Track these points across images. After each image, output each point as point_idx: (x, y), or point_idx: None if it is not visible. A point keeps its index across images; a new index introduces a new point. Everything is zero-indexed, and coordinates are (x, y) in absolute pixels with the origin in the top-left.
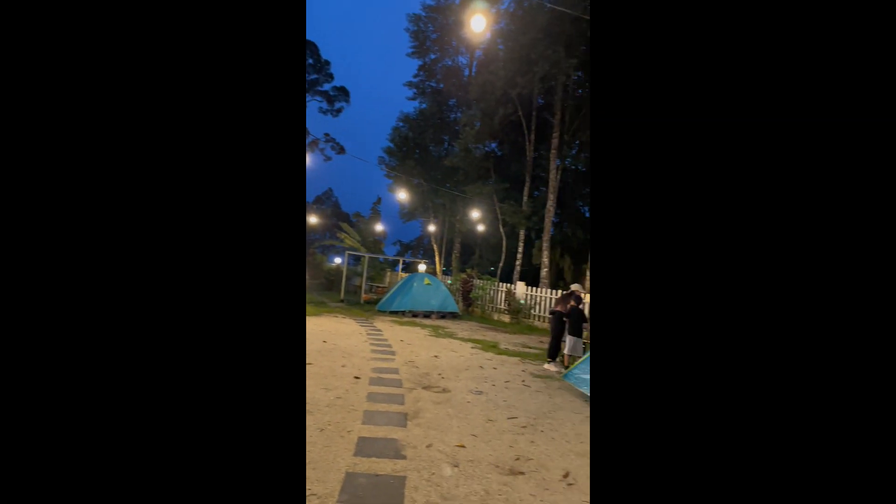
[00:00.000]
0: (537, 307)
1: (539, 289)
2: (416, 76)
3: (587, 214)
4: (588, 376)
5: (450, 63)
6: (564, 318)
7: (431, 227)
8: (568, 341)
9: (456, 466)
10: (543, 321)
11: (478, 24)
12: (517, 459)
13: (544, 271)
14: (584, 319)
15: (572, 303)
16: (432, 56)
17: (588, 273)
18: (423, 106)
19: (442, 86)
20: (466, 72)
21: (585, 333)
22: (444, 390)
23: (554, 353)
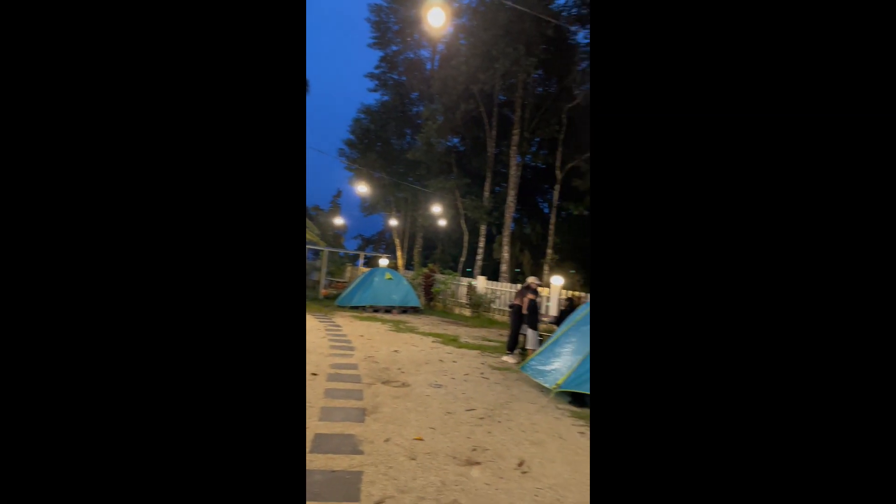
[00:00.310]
0: (497, 301)
1: (499, 283)
2: (377, 67)
3: (546, 210)
4: (543, 367)
5: (412, 56)
6: (523, 312)
7: (393, 222)
8: (528, 335)
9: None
10: (504, 315)
11: (436, 18)
12: (474, 450)
13: (504, 266)
14: (538, 312)
15: (529, 296)
16: (394, 48)
17: (546, 267)
18: (385, 98)
19: (404, 78)
20: (429, 65)
21: (543, 326)
22: (404, 384)
23: (512, 345)
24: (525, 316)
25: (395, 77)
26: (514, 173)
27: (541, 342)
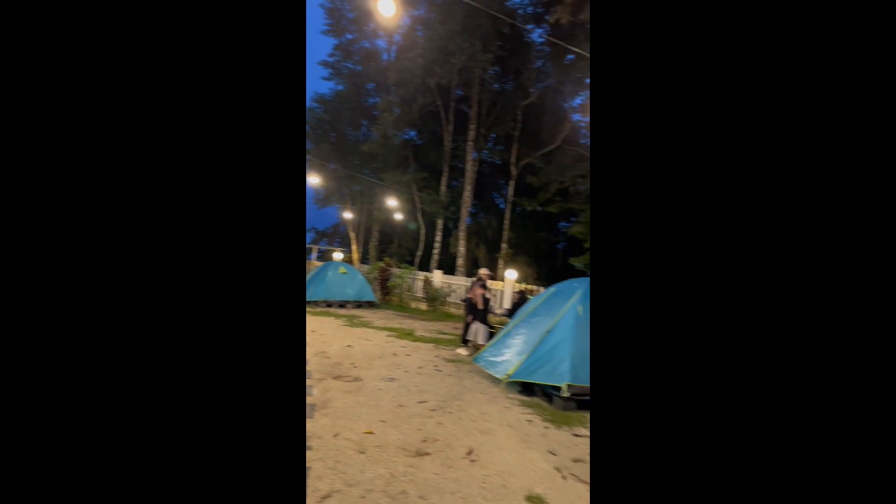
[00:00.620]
0: (453, 295)
1: (456, 277)
2: (331, 55)
3: (501, 206)
4: (495, 358)
5: (368, 45)
6: (478, 306)
7: (348, 215)
8: (473, 329)
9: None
10: (460, 308)
11: (386, 8)
12: (424, 441)
13: (460, 260)
14: (487, 305)
15: (477, 290)
16: (349, 36)
17: (501, 261)
18: (340, 87)
19: (360, 68)
20: (385, 56)
21: (498, 318)
22: (356, 379)
23: (465, 338)
24: (476, 310)
25: (350, 66)
26: (470, 168)
27: (491, 335)
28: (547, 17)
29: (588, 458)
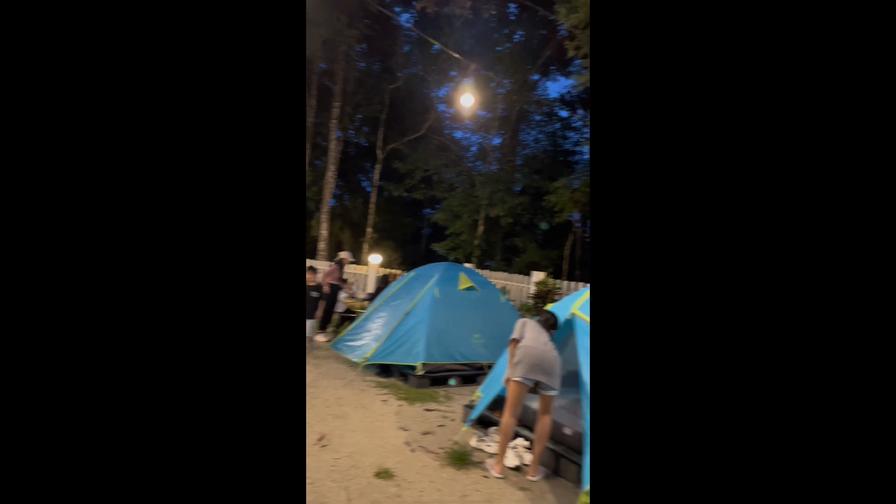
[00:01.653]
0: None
1: (317, 261)
2: None
3: (368, 189)
4: (354, 343)
5: None
6: (334, 291)
7: None
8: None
9: None
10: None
11: None
12: None
13: (322, 244)
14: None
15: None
16: None
17: (366, 245)
18: None
19: None
20: None
21: (360, 304)
22: None
23: (324, 324)
24: (336, 293)
25: None
26: (334, 147)
27: (322, 327)
28: (414, 3)
29: (436, 429)
